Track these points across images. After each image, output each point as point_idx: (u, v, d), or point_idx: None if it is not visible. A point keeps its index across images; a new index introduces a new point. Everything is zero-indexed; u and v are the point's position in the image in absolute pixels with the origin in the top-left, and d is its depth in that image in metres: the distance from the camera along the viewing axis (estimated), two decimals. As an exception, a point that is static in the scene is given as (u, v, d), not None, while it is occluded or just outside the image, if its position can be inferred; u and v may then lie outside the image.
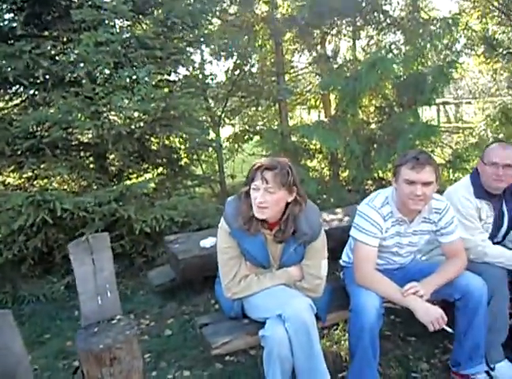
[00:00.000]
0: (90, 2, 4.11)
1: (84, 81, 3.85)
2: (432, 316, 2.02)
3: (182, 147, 5.12)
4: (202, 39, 4.77)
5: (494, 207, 2.49)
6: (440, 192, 2.36)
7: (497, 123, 5.23)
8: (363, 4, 5.85)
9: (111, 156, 4.55)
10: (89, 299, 2.14)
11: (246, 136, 6.57)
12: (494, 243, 2.58)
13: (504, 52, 4.62)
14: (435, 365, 2.54)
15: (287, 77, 6.77)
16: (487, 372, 2.34)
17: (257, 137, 6.53)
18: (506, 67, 5.21)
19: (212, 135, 5.82)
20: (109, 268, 2.16)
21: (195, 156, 5.34)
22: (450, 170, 5.42)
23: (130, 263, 4.09)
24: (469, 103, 9.36)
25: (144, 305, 3.45)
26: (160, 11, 4.51)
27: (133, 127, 4.19)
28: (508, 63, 4.94)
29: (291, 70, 7.14)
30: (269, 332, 1.91)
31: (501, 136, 5.28)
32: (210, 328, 2.25)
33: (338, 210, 3.89)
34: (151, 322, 3.20)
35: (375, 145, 5.34)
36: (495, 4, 4.49)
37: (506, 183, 2.42)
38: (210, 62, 5.91)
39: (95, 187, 4.16)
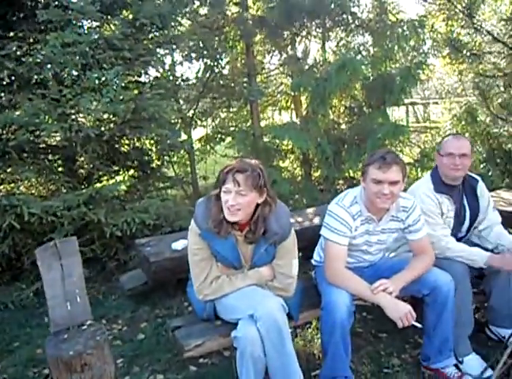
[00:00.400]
0: (57, 2, 4.05)
1: (50, 83, 3.77)
2: (401, 312, 2.05)
3: (154, 149, 5.08)
4: (172, 41, 4.73)
5: (454, 201, 2.58)
6: (404, 190, 2.42)
7: (463, 123, 5.38)
8: (332, 6, 5.91)
9: (81, 159, 4.47)
10: (58, 305, 2.10)
11: (218, 138, 6.54)
12: (458, 238, 2.67)
13: (468, 54, 4.77)
14: (406, 361, 2.60)
15: (258, 78, 6.78)
16: (456, 365, 2.41)
17: (229, 139, 6.53)
18: (471, 68, 5.36)
19: (183, 136, 5.79)
20: (78, 273, 2.14)
21: (167, 158, 5.29)
22: (419, 169, 5.55)
23: (102, 267, 4.04)
24: (436, 103, 9.59)
25: (117, 310, 3.41)
26: (128, 12, 4.46)
27: (102, 129, 4.13)
28: (472, 64, 5.09)
29: (263, 71, 7.16)
30: (241, 332, 1.92)
31: (467, 135, 5.43)
32: (183, 331, 2.23)
33: (310, 210, 3.93)
34: (123, 327, 3.17)
35: (346, 145, 5.42)
36: (459, 7, 4.62)
37: (463, 172, 2.53)
38: (181, 63, 5.88)
39: (64, 191, 4.09)
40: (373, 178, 2.17)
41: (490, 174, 5.00)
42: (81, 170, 4.42)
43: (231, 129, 6.93)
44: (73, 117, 3.86)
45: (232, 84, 6.22)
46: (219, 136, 6.54)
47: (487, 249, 2.59)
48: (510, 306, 2.65)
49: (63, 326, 2.08)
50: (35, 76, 3.84)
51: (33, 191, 4.62)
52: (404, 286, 2.19)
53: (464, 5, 4.53)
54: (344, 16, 6.05)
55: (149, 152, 5.03)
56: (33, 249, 3.37)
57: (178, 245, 3.16)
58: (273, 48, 6.73)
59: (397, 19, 6.22)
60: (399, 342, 2.76)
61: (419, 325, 2.14)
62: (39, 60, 3.84)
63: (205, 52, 5.65)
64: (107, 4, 4.32)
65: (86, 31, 4.10)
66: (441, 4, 6.03)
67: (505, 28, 5.08)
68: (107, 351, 1.94)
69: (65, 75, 3.91)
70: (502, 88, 5.15)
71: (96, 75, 3.86)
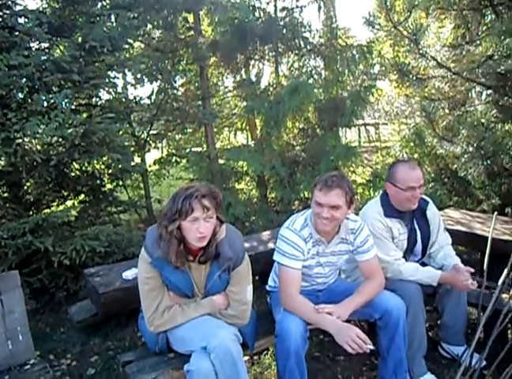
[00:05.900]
0: (2, 24, 3.91)
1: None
2: (346, 336, 2.00)
3: (106, 173, 4.94)
4: (124, 63, 4.66)
5: (405, 224, 2.63)
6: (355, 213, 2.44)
7: (411, 144, 5.56)
8: (284, 31, 6.05)
9: (27, 185, 4.28)
10: (-2, 344, 1.98)
11: (172, 161, 6.46)
12: (416, 261, 2.71)
13: (414, 78, 4.96)
14: (363, 384, 2.60)
15: (212, 101, 6.79)
16: (411, 386, 2.42)
17: (184, 161, 6.45)
18: (417, 92, 5.57)
19: (137, 160, 5.68)
20: (20, 309, 2.02)
21: (120, 182, 5.16)
22: (371, 189, 5.67)
23: (50, 298, 3.86)
24: (386, 124, 9.92)
25: (66, 343, 3.24)
26: (77, 34, 4.37)
27: (50, 153, 3.99)
28: (418, 88, 5.29)
29: (217, 94, 7.18)
30: (194, 365, 1.85)
31: (415, 156, 5.62)
32: (134, 366, 2.13)
33: (265, 233, 3.90)
34: (73, 361, 3.00)
35: (300, 167, 5.49)
36: (405, 33, 4.81)
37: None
38: (134, 86, 5.80)
39: (9, 218, 3.89)
40: (316, 200, 2.21)
41: (438, 193, 5.16)
42: (28, 197, 4.23)
43: (187, 151, 6.87)
44: (19, 141, 3.70)
45: (186, 107, 6.18)
46: (174, 158, 6.45)
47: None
48: (462, 323, 2.71)
49: (4, 367, 1.97)
50: (-21, 100, 3.66)
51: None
52: (354, 310, 2.20)
53: (410, 31, 4.71)
54: (296, 40, 6.19)
55: (101, 176, 4.88)
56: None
57: (129, 274, 3.03)
58: (227, 71, 6.78)
59: (347, 44, 6.43)
60: (356, 364, 2.77)
61: (371, 347, 2.02)
62: (-18, 83, 3.68)
63: (159, 74, 5.60)
64: (55, 26, 4.22)
65: (34, 53, 3.97)
66: (388, 30, 6.27)
67: (448, 54, 5.33)
68: (51, 392, 1.83)
69: (11, 98, 3.76)
70: (446, 111, 5.37)
71: (43, 98, 3.73)
